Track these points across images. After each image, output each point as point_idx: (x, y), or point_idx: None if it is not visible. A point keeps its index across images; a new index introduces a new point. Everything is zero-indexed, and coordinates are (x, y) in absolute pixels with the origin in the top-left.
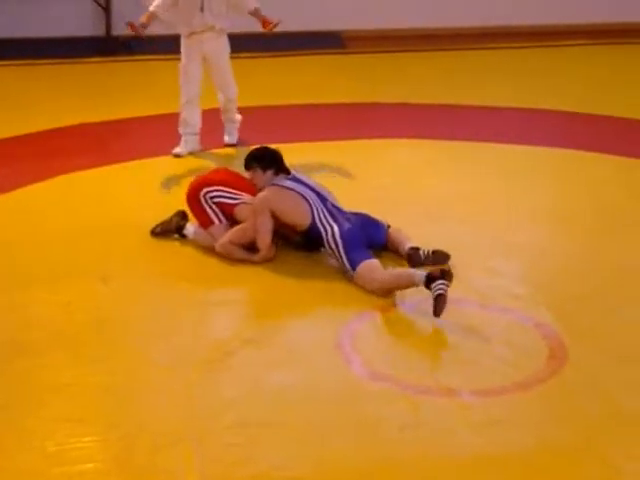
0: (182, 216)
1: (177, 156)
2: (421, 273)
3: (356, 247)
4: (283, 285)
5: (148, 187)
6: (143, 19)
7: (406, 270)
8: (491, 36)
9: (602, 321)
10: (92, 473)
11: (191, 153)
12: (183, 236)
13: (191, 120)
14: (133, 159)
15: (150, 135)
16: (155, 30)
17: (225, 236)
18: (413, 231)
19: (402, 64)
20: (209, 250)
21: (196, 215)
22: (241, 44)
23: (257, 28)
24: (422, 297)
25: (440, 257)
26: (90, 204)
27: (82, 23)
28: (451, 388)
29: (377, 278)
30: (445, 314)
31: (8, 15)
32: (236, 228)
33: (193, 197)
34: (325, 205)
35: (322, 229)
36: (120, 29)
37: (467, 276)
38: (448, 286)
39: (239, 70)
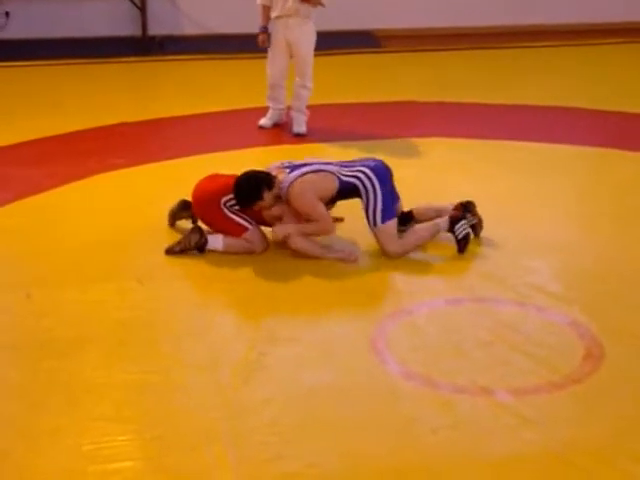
0: (200, 233)
1: (262, 127)
2: (443, 219)
3: (387, 182)
4: (315, 284)
5: (185, 186)
6: (262, 21)
7: (425, 225)
8: (524, 35)
9: (638, 320)
10: (128, 471)
11: (276, 125)
12: (203, 251)
13: (277, 96)
14: (170, 158)
15: (187, 134)
16: (188, 30)
17: (300, 238)
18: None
19: (438, 63)
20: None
21: (221, 226)
22: None
23: None
24: (456, 295)
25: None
26: (126, 204)
27: (118, 23)
28: (486, 387)
29: (404, 240)
30: (480, 313)
31: (45, 15)
32: (303, 225)
33: (213, 209)
34: (336, 164)
35: (352, 179)
36: (155, 29)
37: (501, 275)
38: (473, 220)
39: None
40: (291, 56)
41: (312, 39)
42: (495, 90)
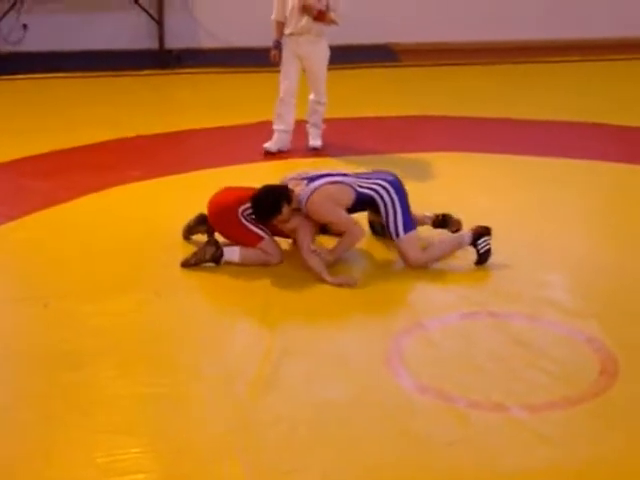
0: (215, 245)
1: (267, 151)
2: (466, 233)
3: (403, 197)
4: (329, 296)
5: (200, 199)
6: (276, 36)
7: (449, 236)
8: (541, 50)
9: None
10: None
11: (280, 151)
12: (219, 263)
13: (285, 116)
14: (186, 171)
15: (203, 147)
16: (205, 43)
17: (313, 255)
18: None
19: (455, 77)
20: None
21: (237, 236)
22: None
23: None
24: (471, 310)
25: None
26: (142, 216)
27: (136, 36)
28: (501, 403)
29: (428, 252)
30: (494, 327)
31: (62, 28)
32: (337, 245)
33: (230, 217)
34: (352, 176)
35: (368, 191)
36: (173, 42)
37: (516, 289)
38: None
39: None
40: (304, 71)
41: (325, 56)
42: (512, 105)
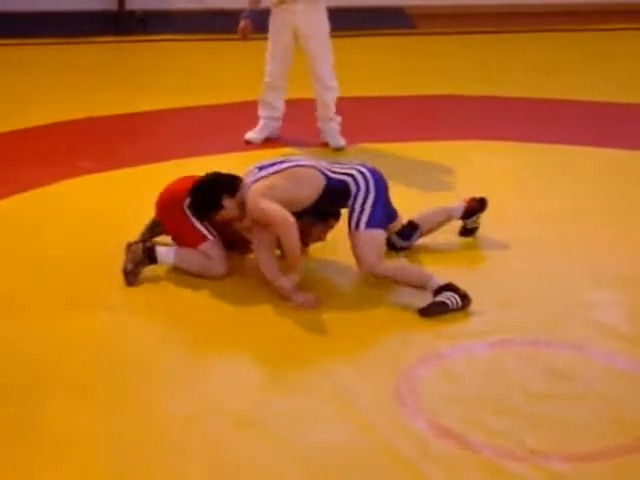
0: (142, 241)
1: (249, 142)
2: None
3: (382, 191)
4: (330, 319)
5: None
6: (249, 4)
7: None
8: (590, 14)
9: None
10: None
11: (268, 139)
12: (153, 261)
13: (273, 102)
14: (149, 162)
15: (172, 132)
16: (176, 3)
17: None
18: (492, 255)
19: (483, 47)
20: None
21: (178, 232)
22: None
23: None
24: (502, 336)
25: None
26: (93, 218)
27: None
28: (537, 452)
29: (382, 259)
30: (530, 358)
31: None
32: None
33: (174, 211)
34: (324, 162)
35: (343, 177)
36: (136, 2)
37: (559, 312)
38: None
39: None
40: (302, 51)
41: (326, 28)
42: (554, 82)
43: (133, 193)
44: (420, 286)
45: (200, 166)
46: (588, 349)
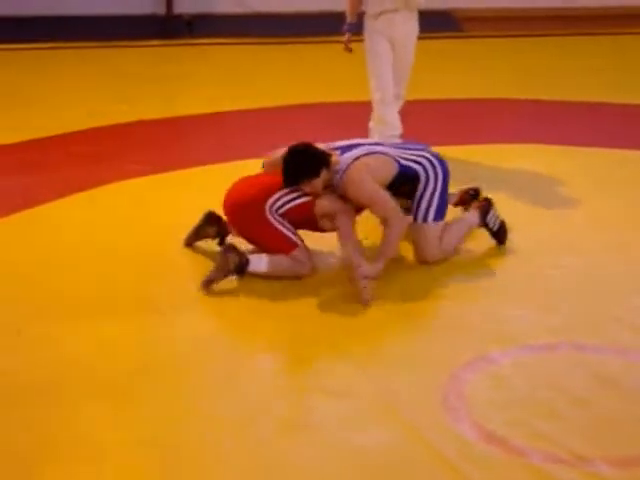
0: (237, 251)
1: None
2: (472, 213)
3: (447, 176)
4: (375, 321)
5: (214, 200)
6: (349, 18)
7: (455, 222)
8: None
9: None
10: None
11: None
12: (243, 274)
13: (390, 119)
14: (197, 165)
15: (220, 135)
16: (222, 7)
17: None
18: (541, 261)
19: (531, 51)
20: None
21: (266, 239)
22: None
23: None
24: (549, 341)
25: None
26: (142, 220)
27: None
28: (584, 457)
29: (444, 244)
30: (578, 363)
31: None
32: (384, 246)
33: (257, 215)
34: (389, 146)
35: (413, 164)
36: (183, 6)
37: (608, 318)
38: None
39: (322, 57)
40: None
41: (416, 36)
42: (605, 86)
43: (183, 195)
44: (469, 232)
45: (247, 169)
46: (633, 354)
